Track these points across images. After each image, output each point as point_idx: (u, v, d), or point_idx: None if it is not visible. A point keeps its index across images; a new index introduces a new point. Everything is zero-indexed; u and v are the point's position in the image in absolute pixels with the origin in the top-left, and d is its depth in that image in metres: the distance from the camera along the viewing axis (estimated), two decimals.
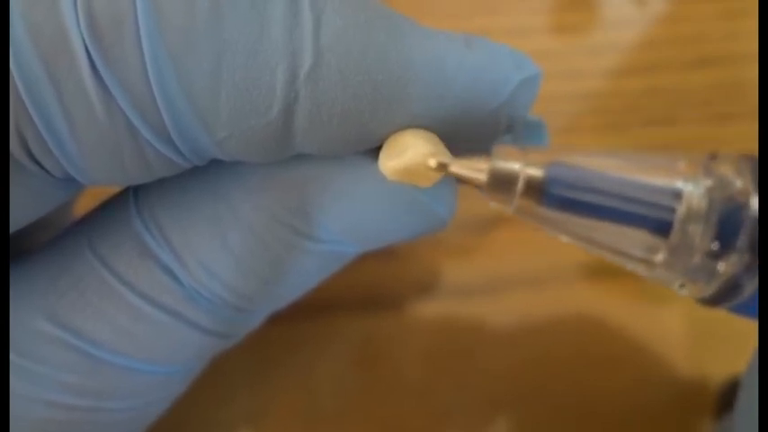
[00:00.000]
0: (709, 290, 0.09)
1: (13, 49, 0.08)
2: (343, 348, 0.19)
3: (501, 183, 0.09)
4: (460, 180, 0.09)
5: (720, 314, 0.16)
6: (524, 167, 0.08)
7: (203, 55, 0.09)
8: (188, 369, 0.13)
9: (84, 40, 0.08)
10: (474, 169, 0.09)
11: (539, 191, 0.08)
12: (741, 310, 0.09)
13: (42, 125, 0.09)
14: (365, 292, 0.19)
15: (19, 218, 0.10)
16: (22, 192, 0.10)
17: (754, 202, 0.08)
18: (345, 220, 0.11)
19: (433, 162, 0.09)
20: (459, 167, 0.09)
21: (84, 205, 0.13)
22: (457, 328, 0.19)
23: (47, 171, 0.10)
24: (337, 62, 0.09)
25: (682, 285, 0.09)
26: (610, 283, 0.20)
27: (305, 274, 0.11)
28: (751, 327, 0.20)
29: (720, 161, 0.08)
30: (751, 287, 0.08)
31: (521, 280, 0.20)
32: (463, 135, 0.10)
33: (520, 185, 0.08)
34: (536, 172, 0.08)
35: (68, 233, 0.12)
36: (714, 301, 0.09)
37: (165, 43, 0.09)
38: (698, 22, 0.24)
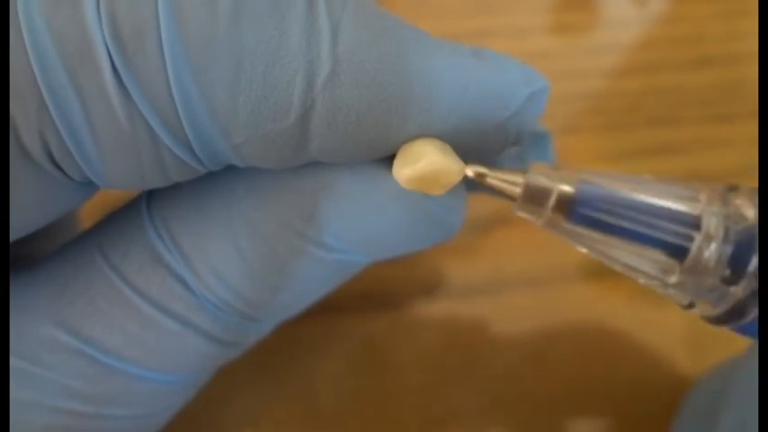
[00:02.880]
0: (717, 311, 0.09)
1: (36, 53, 0.08)
2: (345, 349, 0.19)
3: (534, 197, 0.09)
4: (494, 191, 0.10)
5: None
6: (557, 184, 0.09)
7: (223, 62, 0.09)
8: (194, 378, 0.13)
9: (107, 47, 0.09)
10: (509, 182, 0.09)
11: (568, 207, 0.09)
12: (743, 330, 0.09)
13: (64, 129, 0.09)
14: (366, 293, 0.19)
15: (35, 220, 0.10)
16: (40, 194, 0.10)
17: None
18: (356, 228, 0.11)
19: (471, 172, 0.10)
20: (496, 179, 0.09)
21: (93, 215, 0.13)
22: (458, 328, 0.19)
23: (66, 174, 0.10)
24: (353, 71, 0.09)
25: (691, 304, 0.09)
26: (611, 284, 0.20)
27: (313, 282, 0.11)
28: None
29: (737, 193, 0.09)
30: (755, 311, 0.09)
31: (522, 280, 0.20)
32: (472, 145, 0.11)
33: (552, 201, 0.09)
34: (567, 189, 0.09)
35: (79, 240, 0.12)
36: (720, 321, 0.09)
37: (187, 50, 0.09)
38: (698, 22, 0.24)
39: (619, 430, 0.18)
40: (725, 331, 0.16)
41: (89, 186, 0.10)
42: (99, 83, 0.09)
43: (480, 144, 0.11)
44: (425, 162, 0.10)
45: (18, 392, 0.11)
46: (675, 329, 0.20)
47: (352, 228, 0.11)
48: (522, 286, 0.20)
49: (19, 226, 0.10)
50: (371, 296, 0.19)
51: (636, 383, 0.19)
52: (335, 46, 0.09)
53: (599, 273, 0.20)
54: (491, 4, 0.24)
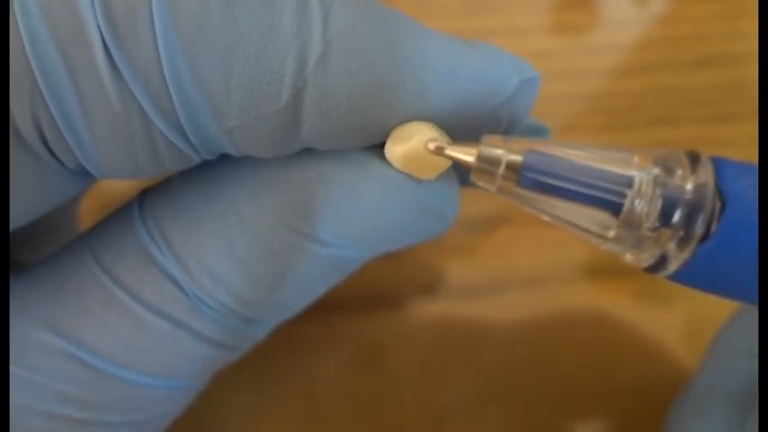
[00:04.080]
0: (649, 261, 0.10)
1: (30, 37, 0.09)
2: (344, 349, 0.19)
3: (486, 165, 0.10)
4: (453, 161, 0.10)
5: (720, 314, 0.16)
6: (506, 154, 0.10)
7: (215, 43, 0.09)
8: (192, 383, 0.12)
9: (99, 29, 0.09)
10: (465, 153, 0.10)
11: (517, 174, 0.10)
12: (675, 278, 0.10)
13: (58, 113, 0.09)
14: (366, 293, 0.19)
15: (30, 209, 0.10)
16: (35, 182, 0.10)
17: (689, 187, 0.10)
18: (349, 221, 0.11)
19: (431, 145, 0.10)
20: (453, 151, 0.10)
21: (88, 224, 0.13)
22: (458, 328, 0.19)
23: (60, 161, 0.10)
24: (344, 53, 0.09)
25: (629, 256, 0.11)
26: (610, 283, 0.20)
27: (309, 280, 0.11)
28: None
29: (666, 154, 0.10)
30: (679, 258, 0.10)
31: (522, 280, 0.20)
32: (464, 131, 0.11)
33: (501, 168, 0.10)
34: (515, 158, 0.10)
35: (72, 244, 0.12)
36: (652, 269, 0.10)
37: (179, 32, 0.09)
38: (698, 22, 0.24)
39: (619, 430, 0.18)
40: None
41: (84, 176, 0.10)
42: (91, 63, 0.09)
43: (473, 130, 0.11)
44: (418, 140, 0.10)
45: (12, 397, 0.11)
46: (675, 327, 0.20)
47: (346, 220, 0.11)
48: (522, 286, 0.20)
49: (14, 215, 0.10)
50: (371, 296, 0.19)
51: (636, 381, 0.19)
52: (326, 29, 0.09)
53: (600, 273, 0.20)
54: (491, 4, 0.24)
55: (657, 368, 0.19)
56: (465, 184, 0.12)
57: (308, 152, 0.10)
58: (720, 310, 0.17)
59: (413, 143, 0.10)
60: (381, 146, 0.10)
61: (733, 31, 0.24)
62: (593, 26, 0.24)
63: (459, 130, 0.11)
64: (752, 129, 0.22)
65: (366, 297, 0.19)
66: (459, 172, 0.12)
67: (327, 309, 0.19)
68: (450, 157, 0.10)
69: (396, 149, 0.10)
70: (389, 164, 0.11)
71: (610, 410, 0.19)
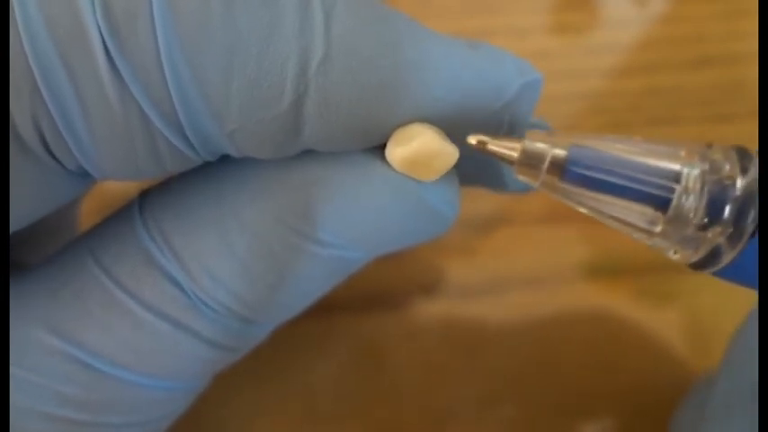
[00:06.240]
0: (697, 256, 0.10)
1: (29, 37, 0.09)
2: (344, 348, 0.19)
3: (530, 160, 0.10)
4: (495, 157, 0.10)
5: (721, 314, 0.16)
6: (550, 148, 0.10)
7: (216, 46, 0.09)
8: (193, 385, 0.12)
9: (100, 31, 0.09)
10: (508, 148, 0.10)
11: (561, 169, 0.10)
12: (721, 274, 0.10)
13: (58, 114, 0.09)
14: (365, 293, 0.19)
15: (30, 211, 0.10)
16: (35, 184, 0.10)
17: (739, 183, 0.10)
18: (351, 222, 0.11)
19: (473, 140, 0.10)
20: (496, 145, 0.10)
21: (88, 224, 0.13)
22: (458, 328, 0.19)
23: (60, 163, 0.10)
24: (346, 56, 0.09)
25: (675, 252, 0.10)
26: (611, 283, 0.20)
27: (311, 281, 0.11)
28: None
29: (714, 150, 0.10)
30: (729, 255, 0.10)
31: (522, 280, 0.20)
32: (465, 133, 0.11)
33: (546, 163, 0.10)
34: (560, 152, 0.10)
35: (71, 245, 0.12)
36: (699, 266, 0.10)
37: (179, 34, 0.09)
38: (698, 22, 0.24)
39: (619, 430, 0.18)
40: (727, 326, 0.16)
41: (85, 177, 0.10)
42: (91, 66, 0.09)
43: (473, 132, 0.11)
44: (419, 142, 0.10)
45: (11, 398, 0.11)
46: (677, 327, 0.20)
47: (347, 222, 0.11)
48: (522, 286, 0.20)
49: (14, 217, 0.10)
50: (371, 296, 0.19)
51: (638, 381, 0.19)
52: (328, 31, 0.09)
53: (600, 272, 0.20)
54: (491, 4, 0.24)
55: (659, 368, 0.19)
56: (464, 184, 0.12)
57: (308, 153, 0.10)
58: (722, 310, 0.17)
59: (414, 145, 0.10)
60: (382, 147, 0.10)
61: (733, 31, 0.24)
62: (593, 26, 0.24)
63: (460, 132, 0.10)
64: (752, 129, 0.22)
65: (366, 297, 0.19)
66: (459, 172, 0.12)
67: (327, 309, 0.19)
68: (493, 153, 0.10)
69: (397, 151, 0.10)
70: (390, 165, 0.11)
71: (611, 410, 0.19)
